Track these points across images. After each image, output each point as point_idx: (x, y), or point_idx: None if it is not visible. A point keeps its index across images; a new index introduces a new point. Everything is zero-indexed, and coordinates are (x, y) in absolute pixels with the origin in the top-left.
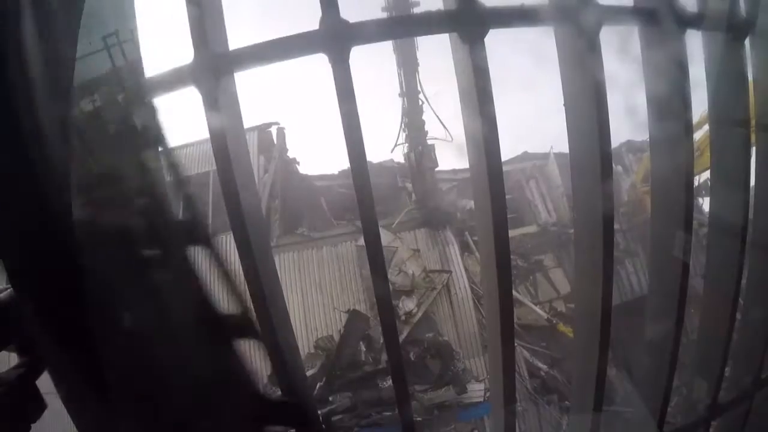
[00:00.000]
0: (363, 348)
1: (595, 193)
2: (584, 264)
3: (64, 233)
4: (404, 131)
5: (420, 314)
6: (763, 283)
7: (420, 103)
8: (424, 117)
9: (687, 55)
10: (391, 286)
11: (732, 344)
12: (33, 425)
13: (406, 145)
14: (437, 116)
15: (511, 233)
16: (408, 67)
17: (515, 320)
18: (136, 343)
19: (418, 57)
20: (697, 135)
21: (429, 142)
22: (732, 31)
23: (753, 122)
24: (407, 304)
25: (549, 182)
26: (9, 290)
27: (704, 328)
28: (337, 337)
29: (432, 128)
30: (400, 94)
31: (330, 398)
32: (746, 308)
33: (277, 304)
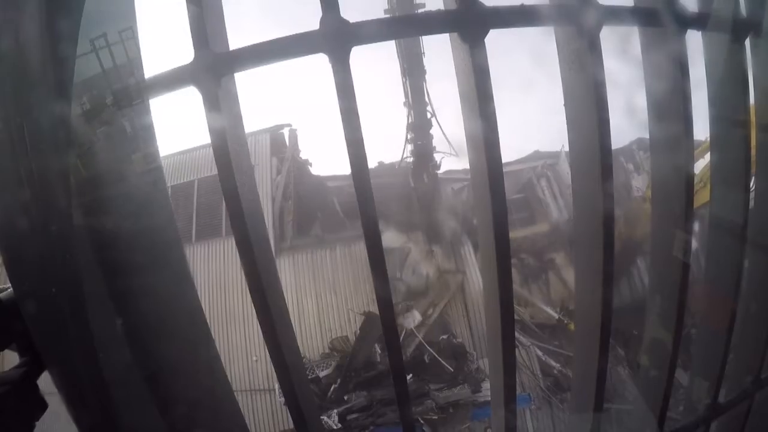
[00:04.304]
0: (378, 350)
1: (596, 193)
2: (584, 264)
3: (64, 233)
4: (410, 143)
5: (435, 315)
6: (763, 283)
7: (429, 116)
8: (431, 131)
9: (687, 56)
10: (405, 287)
11: (732, 344)
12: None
13: (412, 159)
14: (444, 134)
15: (523, 232)
16: (414, 77)
17: (528, 319)
18: (135, 343)
19: (425, 64)
20: (698, 166)
21: (435, 155)
22: (733, 31)
23: (753, 122)
24: (408, 321)
25: (560, 180)
26: (9, 290)
27: (704, 328)
28: (351, 338)
29: (438, 140)
30: (405, 104)
31: (345, 397)
32: (746, 308)
33: (278, 304)
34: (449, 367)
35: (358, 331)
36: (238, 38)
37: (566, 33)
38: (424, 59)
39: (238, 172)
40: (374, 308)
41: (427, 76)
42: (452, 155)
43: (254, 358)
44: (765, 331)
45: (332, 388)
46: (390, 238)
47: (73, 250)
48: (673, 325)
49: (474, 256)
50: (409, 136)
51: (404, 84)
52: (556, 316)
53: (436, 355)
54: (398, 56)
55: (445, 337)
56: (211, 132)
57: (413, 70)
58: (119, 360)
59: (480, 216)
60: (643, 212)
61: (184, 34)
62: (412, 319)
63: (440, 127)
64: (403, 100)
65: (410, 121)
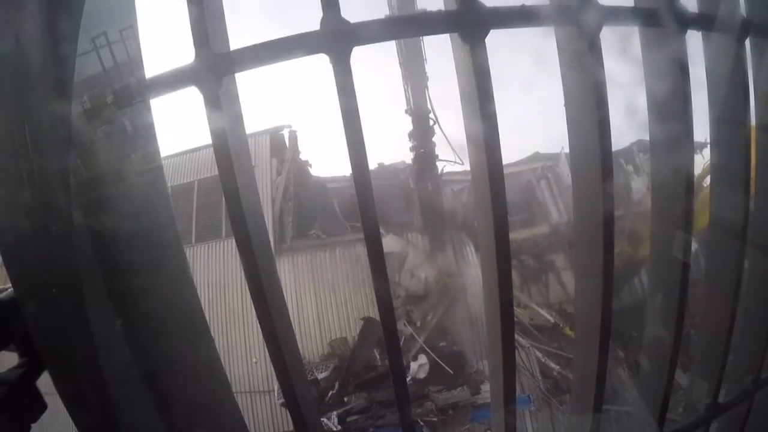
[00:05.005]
0: (377, 355)
1: (596, 194)
2: (584, 264)
3: (64, 233)
4: (411, 151)
5: (435, 321)
6: (763, 283)
7: (431, 123)
8: (434, 139)
9: (687, 56)
10: (404, 291)
11: (732, 344)
12: (33, 425)
13: (413, 159)
14: (448, 141)
15: (523, 234)
16: (416, 83)
17: (528, 321)
18: (135, 343)
19: (427, 71)
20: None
21: (438, 164)
22: (733, 31)
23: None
24: (419, 372)
25: (560, 182)
26: (9, 290)
27: (704, 328)
28: (350, 339)
29: (441, 148)
30: (407, 112)
31: (345, 399)
32: (746, 308)
33: (278, 304)
34: (449, 370)
35: (357, 337)
36: (238, 38)
37: (566, 33)
38: (426, 66)
39: (239, 173)
40: (372, 309)
41: (428, 79)
42: (457, 163)
43: (254, 360)
44: (765, 331)
45: (330, 394)
46: (389, 242)
47: (73, 250)
48: (673, 326)
49: (475, 257)
50: (411, 144)
51: (406, 91)
52: (552, 319)
53: (438, 359)
54: (399, 64)
55: (444, 344)
56: (212, 132)
57: (415, 77)
58: (119, 360)
59: (480, 216)
60: (646, 234)
61: (185, 33)
62: (420, 370)
63: (444, 135)
64: (405, 107)
65: (413, 128)
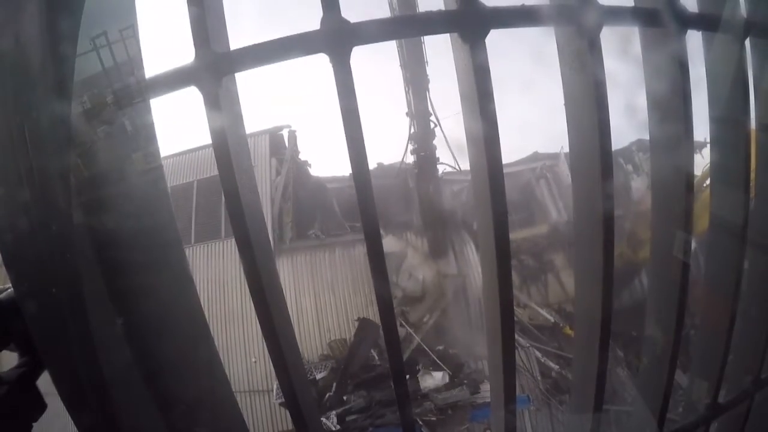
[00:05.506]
0: (375, 355)
1: (596, 194)
2: (584, 263)
3: (64, 233)
4: (412, 154)
5: (431, 322)
6: (763, 283)
7: (432, 126)
8: (434, 141)
9: (687, 56)
10: (401, 292)
11: (732, 344)
12: (33, 425)
13: (414, 161)
14: (448, 145)
15: (522, 233)
16: (417, 86)
17: (527, 320)
18: (135, 343)
19: (428, 73)
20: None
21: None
22: (733, 31)
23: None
24: (428, 381)
25: (559, 182)
26: (9, 290)
27: (704, 328)
28: (349, 340)
29: (441, 149)
30: (407, 114)
31: (344, 398)
32: (746, 308)
33: (278, 304)
34: (447, 371)
35: (353, 338)
36: (238, 38)
37: (567, 33)
38: (426, 67)
39: (239, 172)
40: (372, 309)
41: (429, 81)
42: (455, 169)
43: (253, 360)
44: (765, 331)
45: (327, 396)
46: (388, 242)
47: (73, 250)
48: (673, 325)
49: (474, 257)
50: (411, 147)
51: (407, 93)
52: (551, 319)
53: (437, 360)
54: (400, 66)
55: (441, 347)
56: (212, 132)
57: (416, 80)
58: (119, 360)
59: (480, 216)
60: (646, 236)
61: (185, 33)
62: (431, 380)
63: (446, 139)
64: (406, 109)
65: (413, 131)
